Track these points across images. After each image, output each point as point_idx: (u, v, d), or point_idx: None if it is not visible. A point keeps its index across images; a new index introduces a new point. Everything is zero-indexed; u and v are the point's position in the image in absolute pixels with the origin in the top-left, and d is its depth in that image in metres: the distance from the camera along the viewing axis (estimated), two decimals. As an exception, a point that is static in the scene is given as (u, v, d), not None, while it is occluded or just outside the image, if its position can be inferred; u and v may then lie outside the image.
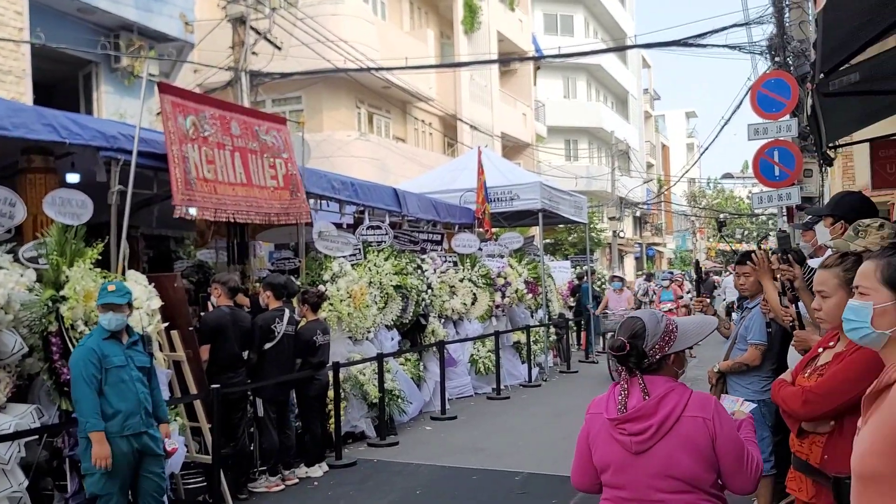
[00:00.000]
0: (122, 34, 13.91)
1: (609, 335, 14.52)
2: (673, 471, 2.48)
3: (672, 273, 24.78)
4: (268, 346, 6.96)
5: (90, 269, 5.49)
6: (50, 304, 5.24)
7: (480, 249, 12.81)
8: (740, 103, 15.64)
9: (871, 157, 9.42)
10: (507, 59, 29.33)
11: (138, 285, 5.89)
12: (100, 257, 5.65)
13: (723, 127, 27.38)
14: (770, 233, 29.60)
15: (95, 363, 4.71)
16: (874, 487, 1.79)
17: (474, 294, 12.09)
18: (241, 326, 6.88)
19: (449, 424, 9.69)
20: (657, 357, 2.55)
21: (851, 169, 15.96)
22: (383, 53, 19.60)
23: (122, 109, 13.42)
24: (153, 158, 6.58)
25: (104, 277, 5.59)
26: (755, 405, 3.00)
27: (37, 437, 5.14)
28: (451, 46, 26.70)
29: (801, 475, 2.75)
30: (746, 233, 59.12)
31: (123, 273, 5.99)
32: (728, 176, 61.89)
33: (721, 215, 47.31)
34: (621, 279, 15.91)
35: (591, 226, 25.60)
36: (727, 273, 26.17)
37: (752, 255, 4.50)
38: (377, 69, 17.76)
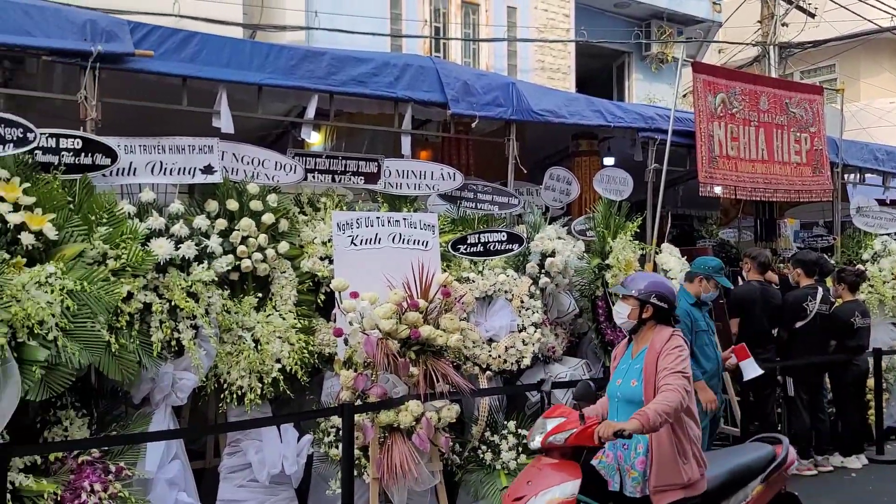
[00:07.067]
0: (653, 22, 14.64)
1: None
2: None
3: None
4: (799, 324, 6.68)
5: (630, 241, 6.00)
6: (596, 271, 5.89)
7: None
8: None
9: None
10: None
11: (672, 257, 6.23)
12: (638, 230, 6.13)
13: None
14: None
15: (688, 324, 5.19)
16: None
17: None
18: (771, 302, 6.71)
19: None
20: None
21: None
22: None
23: (651, 94, 14.14)
24: (685, 136, 6.86)
25: (641, 249, 6.06)
26: None
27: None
28: None
29: None
30: None
31: (658, 246, 6.39)
32: None
33: None
34: None
35: None
36: None
37: None
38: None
